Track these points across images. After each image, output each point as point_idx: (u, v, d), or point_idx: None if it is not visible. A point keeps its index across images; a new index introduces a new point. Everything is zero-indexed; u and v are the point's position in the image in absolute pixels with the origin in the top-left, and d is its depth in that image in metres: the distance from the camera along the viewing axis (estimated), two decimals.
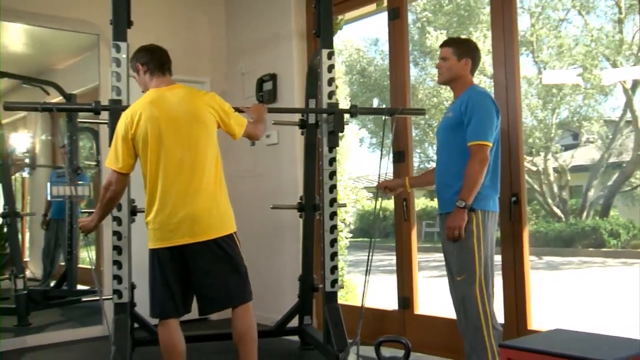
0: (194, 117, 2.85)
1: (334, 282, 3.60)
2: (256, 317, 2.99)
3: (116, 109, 3.21)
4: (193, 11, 5.42)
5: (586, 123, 14.12)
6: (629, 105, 13.02)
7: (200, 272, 2.84)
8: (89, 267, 5.83)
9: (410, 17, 14.52)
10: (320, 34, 3.64)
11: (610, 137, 14.04)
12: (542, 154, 14.05)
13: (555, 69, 12.94)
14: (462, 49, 2.98)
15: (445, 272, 3.05)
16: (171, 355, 2.85)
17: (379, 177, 3.34)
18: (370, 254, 3.28)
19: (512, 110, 3.51)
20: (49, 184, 5.31)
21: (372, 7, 4.67)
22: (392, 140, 3.48)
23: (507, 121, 3.50)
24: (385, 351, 3.28)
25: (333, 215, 3.61)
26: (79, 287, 5.67)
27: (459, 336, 3.78)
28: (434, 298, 4.88)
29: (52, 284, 5.68)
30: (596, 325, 5.46)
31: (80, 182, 5.57)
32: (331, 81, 3.62)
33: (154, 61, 2.94)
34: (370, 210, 15.92)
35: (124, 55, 3.34)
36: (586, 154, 14.84)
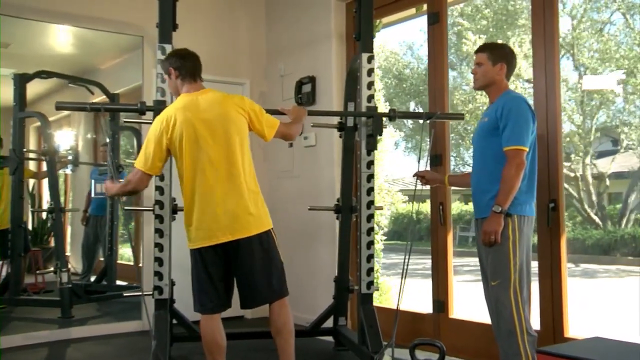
0: (227, 119, 2.94)
1: (370, 284, 3.63)
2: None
3: (160, 109, 3.28)
4: (233, 12, 5.51)
5: (626, 129, 13.86)
6: None
7: (244, 268, 2.92)
8: (127, 263, 5.99)
9: (448, 22, 14.44)
10: (361, 37, 3.68)
11: None
12: (581, 160, 13.82)
13: (597, 73, 12.73)
14: (497, 54, 2.99)
15: (479, 277, 3.06)
16: (213, 349, 2.94)
17: (412, 204, 3.36)
18: (407, 256, 3.31)
19: (551, 116, 3.50)
20: (92, 181, 5.45)
21: (411, 11, 4.68)
22: (430, 143, 3.49)
23: (547, 127, 3.48)
24: (420, 354, 3.31)
25: (370, 217, 3.64)
26: (118, 282, 5.83)
27: (493, 341, 3.77)
28: (467, 302, 4.87)
29: (92, 278, 5.84)
30: (633, 335, 5.36)
31: (122, 180, 5.70)
32: (370, 85, 3.65)
33: (186, 67, 3.03)
34: (405, 213, 15.97)
35: None
36: (627, 160, 14.56)
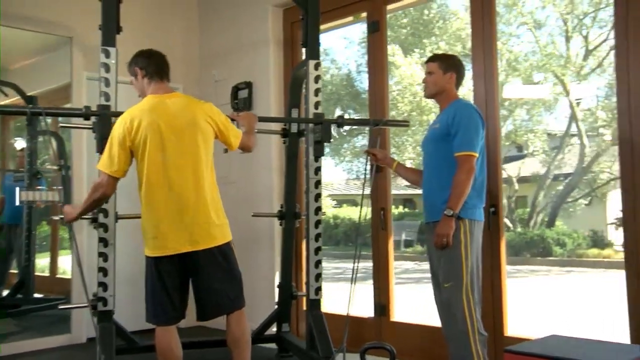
0: (195, 126, 2.86)
1: (318, 290, 3.65)
2: None
3: (105, 114, 3.19)
4: (165, 17, 5.38)
5: (531, 136, 14.61)
6: (574, 119, 13.54)
7: (202, 279, 2.86)
8: (40, 274, 5.68)
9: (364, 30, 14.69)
10: (308, 44, 3.69)
11: (556, 150, 14.57)
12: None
13: (507, 82, 13.34)
14: (447, 63, 3.11)
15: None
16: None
17: (363, 186, 3.40)
18: (356, 261, 3.35)
19: (491, 122, 3.62)
20: (17, 188, 5.15)
21: (347, 19, 4.75)
22: (371, 147, 3.54)
23: (487, 133, 3.60)
24: (371, 358, 3.35)
25: (318, 223, 3.66)
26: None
27: (436, 342, 3.90)
28: (405, 305, 4.97)
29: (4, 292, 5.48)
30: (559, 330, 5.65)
31: (40, 187, 5.43)
32: (317, 91, 3.67)
33: (153, 66, 2.95)
34: (334, 219, 16.10)
35: (113, 61, 3.30)
36: (532, 166, 15.35)
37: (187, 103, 2.93)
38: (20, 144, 5.70)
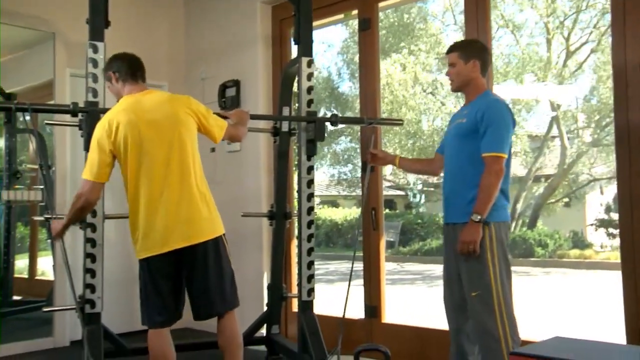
0: (176, 120, 2.80)
1: (311, 291, 3.58)
2: None
3: (94, 110, 3.09)
4: (151, 14, 5.29)
5: (513, 138, 14.66)
6: (556, 121, 13.64)
7: (198, 276, 2.79)
8: (18, 275, 5.53)
9: (348, 31, 14.69)
10: (300, 41, 3.62)
11: (535, 151, 14.67)
12: None
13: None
14: (468, 51, 2.90)
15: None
16: None
17: (362, 187, 3.35)
18: (353, 263, 3.31)
19: None
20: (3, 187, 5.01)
21: (337, 17, 4.70)
22: (371, 147, 3.46)
23: None
24: None
25: (310, 223, 3.59)
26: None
27: (428, 344, 3.87)
28: (392, 307, 4.92)
29: None
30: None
31: (19, 187, 5.29)
32: (310, 89, 3.61)
33: (125, 68, 2.89)
34: (319, 220, 16.03)
35: (102, 56, 3.21)
36: (513, 168, 15.40)
37: (165, 98, 2.88)
38: None
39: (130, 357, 3.74)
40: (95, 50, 3.20)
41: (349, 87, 15.38)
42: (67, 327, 4.59)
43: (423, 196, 17.90)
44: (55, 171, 4.72)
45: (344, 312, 3.38)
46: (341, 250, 16.35)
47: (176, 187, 2.75)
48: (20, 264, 5.60)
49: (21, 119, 5.53)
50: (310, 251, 3.58)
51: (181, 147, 2.79)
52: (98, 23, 3.22)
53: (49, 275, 5.34)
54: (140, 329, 4.52)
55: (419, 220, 16.35)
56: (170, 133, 2.78)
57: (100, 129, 2.78)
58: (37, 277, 5.56)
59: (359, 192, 19.47)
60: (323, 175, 17.62)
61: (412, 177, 16.92)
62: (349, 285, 3.36)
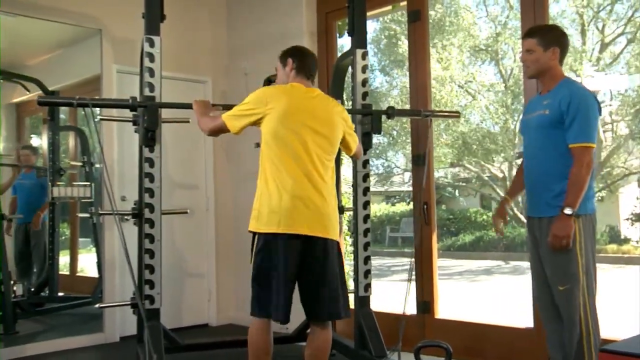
0: (331, 123, 2.85)
1: (368, 287, 3.53)
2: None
3: (152, 105, 3.07)
4: (193, 9, 5.26)
5: None
6: None
7: (324, 273, 2.74)
8: (63, 273, 5.57)
9: (379, 26, 14.59)
10: (354, 33, 3.57)
11: None
12: (507, 160, 14.32)
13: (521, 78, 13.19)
14: (548, 38, 2.79)
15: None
16: (264, 358, 2.77)
17: (414, 181, 3.27)
18: (412, 259, 3.25)
19: None
20: (50, 184, 5.04)
21: (385, 8, 4.63)
22: (429, 141, 3.40)
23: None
24: (424, 357, 3.23)
25: (366, 218, 3.54)
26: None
27: (482, 339, 3.80)
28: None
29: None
30: None
31: (61, 184, 5.32)
32: (365, 82, 3.55)
33: (306, 65, 2.95)
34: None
35: (158, 50, 3.19)
36: None
37: (327, 101, 2.96)
38: (35, 141, 5.57)
39: (185, 354, 3.75)
40: (152, 44, 3.18)
41: (380, 82, 15.32)
42: (117, 323, 4.60)
43: (456, 192, 17.72)
44: (101, 168, 4.72)
45: (404, 308, 3.33)
46: (373, 246, 16.30)
47: (318, 181, 2.80)
48: (61, 260, 5.65)
49: (63, 116, 5.59)
50: (366, 246, 3.53)
51: (329, 148, 2.88)
52: (154, 17, 3.20)
53: (89, 272, 5.38)
54: (187, 325, 4.53)
55: (450, 216, 16.20)
56: (326, 132, 2.87)
57: (269, 93, 2.86)
58: (77, 274, 5.61)
59: (387, 187, 19.38)
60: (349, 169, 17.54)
61: (441, 172, 16.73)
62: (408, 281, 3.31)
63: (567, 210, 2.62)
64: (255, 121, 2.80)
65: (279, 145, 2.72)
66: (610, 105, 13.66)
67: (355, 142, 3.04)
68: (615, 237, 13.72)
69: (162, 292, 3.17)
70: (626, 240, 13.52)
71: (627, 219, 14.75)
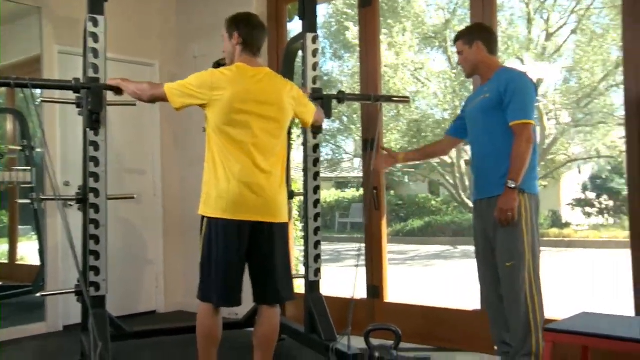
0: (279, 105, 2.79)
1: (318, 271, 3.53)
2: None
3: (97, 87, 2.98)
4: None
5: None
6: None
7: (273, 257, 2.73)
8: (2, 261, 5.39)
9: (328, 11, 14.55)
10: (305, 16, 3.54)
11: None
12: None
13: None
14: (470, 35, 2.98)
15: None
16: (213, 343, 2.75)
17: (365, 164, 3.29)
18: (361, 244, 3.25)
19: None
20: None
21: None
22: (379, 127, 3.42)
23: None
24: (375, 340, 3.25)
25: (317, 202, 3.53)
26: None
27: (432, 323, 3.85)
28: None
29: None
30: None
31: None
32: (316, 66, 3.53)
33: (254, 40, 2.85)
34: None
35: (102, 30, 3.09)
36: None
37: (275, 80, 2.89)
38: None
39: (131, 342, 3.68)
40: (96, 23, 3.08)
41: (331, 66, 15.30)
42: (60, 312, 4.48)
43: (406, 177, 17.90)
44: (38, 152, 4.58)
45: (354, 292, 3.34)
46: (323, 232, 16.35)
47: (265, 164, 2.77)
48: (0, 248, 5.46)
49: (25, 94, 5.36)
50: (317, 230, 3.53)
51: (276, 131, 2.84)
52: None
53: (29, 260, 5.21)
54: (135, 312, 4.44)
55: (399, 202, 16.38)
56: (273, 115, 2.81)
57: (214, 75, 2.78)
58: (17, 262, 5.44)
59: (338, 173, 19.46)
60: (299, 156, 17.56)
61: None
62: (357, 266, 3.32)
63: (511, 184, 2.70)
64: (200, 105, 2.74)
65: (227, 133, 2.69)
66: (554, 93, 14.03)
67: (310, 114, 3.00)
68: (557, 221, 14.14)
69: (108, 279, 3.10)
70: (567, 225, 13.95)
71: (569, 204, 15.23)
